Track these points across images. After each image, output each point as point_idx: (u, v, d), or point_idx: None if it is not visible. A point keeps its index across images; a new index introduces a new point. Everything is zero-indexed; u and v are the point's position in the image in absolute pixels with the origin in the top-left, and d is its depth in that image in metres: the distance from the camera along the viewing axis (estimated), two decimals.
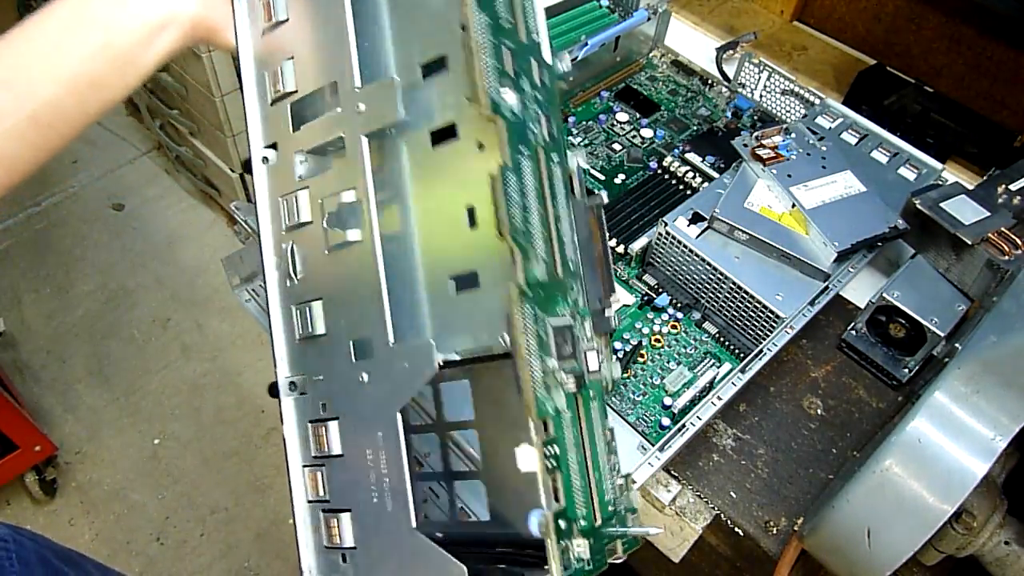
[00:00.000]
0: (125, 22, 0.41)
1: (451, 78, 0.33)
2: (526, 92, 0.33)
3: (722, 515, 0.61)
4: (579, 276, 0.34)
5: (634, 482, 0.32)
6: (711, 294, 0.69)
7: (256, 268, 0.68)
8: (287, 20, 0.41)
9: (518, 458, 0.28)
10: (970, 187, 0.71)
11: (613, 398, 0.64)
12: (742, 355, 0.68)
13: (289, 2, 0.41)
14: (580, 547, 0.28)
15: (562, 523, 0.28)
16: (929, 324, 0.65)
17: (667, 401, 0.64)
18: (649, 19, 0.92)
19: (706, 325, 0.70)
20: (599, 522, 0.30)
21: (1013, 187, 0.70)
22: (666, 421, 0.63)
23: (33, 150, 0.41)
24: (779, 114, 0.89)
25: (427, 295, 0.34)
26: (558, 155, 0.35)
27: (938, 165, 0.78)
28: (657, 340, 0.68)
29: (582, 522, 0.29)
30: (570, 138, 0.86)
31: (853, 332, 0.71)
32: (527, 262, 0.30)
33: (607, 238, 0.37)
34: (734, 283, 0.66)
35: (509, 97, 0.31)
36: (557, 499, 0.28)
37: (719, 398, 0.60)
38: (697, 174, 0.81)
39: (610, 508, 0.31)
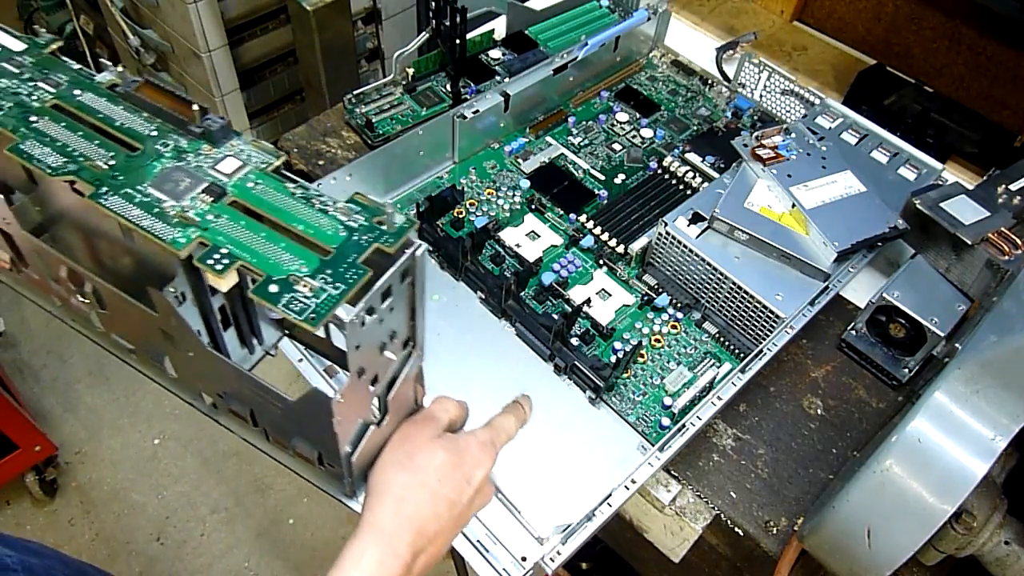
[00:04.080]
0: None
1: None
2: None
3: (722, 515, 0.61)
4: (168, 129, 0.39)
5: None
6: (711, 294, 0.69)
7: None
8: None
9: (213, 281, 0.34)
10: (970, 187, 0.71)
11: (613, 398, 0.64)
12: (742, 355, 0.68)
13: None
14: (307, 288, 0.33)
15: (273, 288, 0.33)
16: (929, 324, 0.65)
17: (667, 401, 0.64)
18: (649, 19, 0.92)
19: (706, 325, 0.70)
20: (329, 255, 0.34)
21: (1013, 187, 0.70)
22: (666, 421, 0.63)
23: None
24: (779, 114, 0.89)
25: None
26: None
27: (938, 165, 0.78)
28: (657, 340, 0.68)
29: (302, 271, 0.33)
30: (570, 138, 0.86)
31: (853, 332, 0.71)
32: (81, 173, 0.36)
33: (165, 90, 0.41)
34: (734, 283, 0.66)
35: None
36: (255, 280, 0.33)
37: (719, 398, 0.60)
38: (697, 174, 0.81)
39: (341, 232, 0.35)
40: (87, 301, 0.43)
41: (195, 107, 0.39)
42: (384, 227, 0.36)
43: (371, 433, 0.41)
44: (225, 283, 0.34)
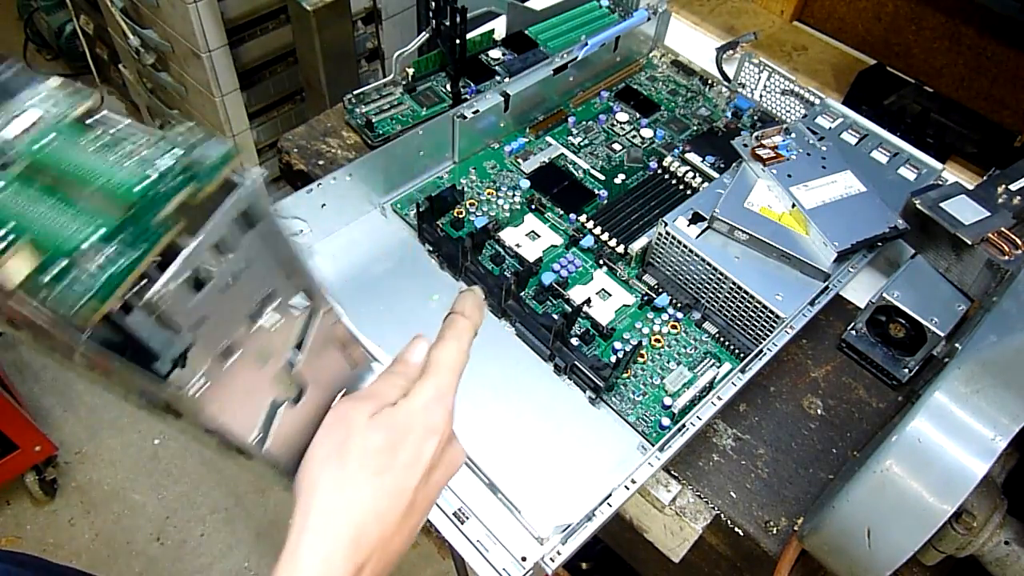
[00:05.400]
0: None
1: None
2: None
3: (722, 515, 0.61)
4: None
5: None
6: (711, 294, 0.69)
7: None
8: None
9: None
10: (970, 187, 0.71)
11: (613, 398, 0.64)
12: (742, 355, 0.68)
13: None
14: (99, 260, 0.26)
15: (62, 264, 0.26)
16: (929, 324, 0.65)
17: (667, 401, 0.64)
18: (649, 19, 0.92)
19: (706, 325, 0.70)
20: (127, 213, 0.27)
21: (1013, 187, 0.70)
22: (666, 421, 0.63)
23: None
24: (779, 114, 0.89)
25: None
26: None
27: (938, 165, 0.78)
28: (657, 340, 0.68)
29: (92, 238, 0.27)
30: (570, 138, 0.86)
31: (853, 332, 0.71)
32: None
33: None
34: (734, 283, 0.66)
35: None
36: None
37: (719, 398, 0.60)
38: (697, 174, 0.81)
39: (141, 186, 0.27)
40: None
41: None
42: (195, 165, 0.28)
43: (284, 414, 0.35)
44: (13, 271, 0.27)
